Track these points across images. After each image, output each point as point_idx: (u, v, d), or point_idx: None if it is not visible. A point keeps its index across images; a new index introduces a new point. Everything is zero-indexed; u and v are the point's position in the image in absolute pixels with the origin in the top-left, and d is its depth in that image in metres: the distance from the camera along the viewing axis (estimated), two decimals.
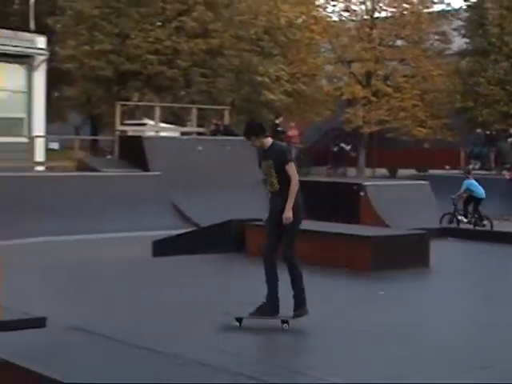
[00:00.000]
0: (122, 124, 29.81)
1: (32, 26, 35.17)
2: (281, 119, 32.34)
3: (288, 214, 8.90)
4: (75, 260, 15.20)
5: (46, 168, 29.61)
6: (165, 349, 6.19)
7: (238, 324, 8.94)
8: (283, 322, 8.95)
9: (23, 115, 32.70)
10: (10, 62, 32.19)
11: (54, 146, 41.51)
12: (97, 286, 10.43)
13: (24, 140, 31.07)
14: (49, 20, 40.08)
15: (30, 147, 29.90)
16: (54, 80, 37.73)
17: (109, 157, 31.20)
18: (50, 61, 34.35)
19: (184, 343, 7.62)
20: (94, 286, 10.61)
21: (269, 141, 9.21)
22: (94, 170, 24.86)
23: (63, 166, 28.99)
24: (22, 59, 32.60)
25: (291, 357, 8.05)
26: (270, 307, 9.04)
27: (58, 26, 39.58)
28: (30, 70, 32.81)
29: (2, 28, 34.85)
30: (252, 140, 9.24)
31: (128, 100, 36.25)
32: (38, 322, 7.04)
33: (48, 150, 34.73)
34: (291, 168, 8.98)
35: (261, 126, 9.45)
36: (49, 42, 34.76)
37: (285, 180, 8.97)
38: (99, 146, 39.90)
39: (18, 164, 27.02)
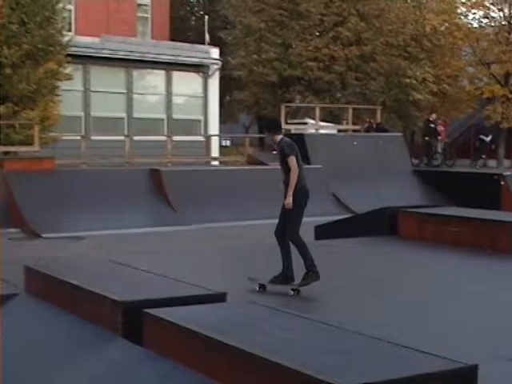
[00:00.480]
0: (286, 123, 29.95)
1: (207, 39, 35.69)
2: (434, 116, 31.77)
3: (288, 201, 9.22)
4: (246, 243, 15.41)
5: (220, 162, 30.05)
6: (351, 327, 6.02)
7: (261, 289, 9.35)
8: (293, 290, 9.22)
9: (200, 117, 33.33)
10: (189, 71, 32.85)
11: (227, 143, 42.05)
12: (265, 265, 10.44)
13: (201, 138, 31.67)
14: (221, 33, 40.67)
15: (206, 144, 30.47)
16: (226, 86, 38.27)
17: (274, 152, 31.33)
18: (222, 69, 34.85)
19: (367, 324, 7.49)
20: (262, 266, 10.64)
21: (279, 137, 9.43)
22: (262, 163, 25.09)
23: (235, 160, 29.38)
24: (199, 68, 33.21)
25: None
26: (285, 277, 9.38)
27: (230, 38, 40.03)
28: (206, 77, 33.40)
29: (182, 42, 35.62)
30: (266, 135, 9.84)
31: (291, 102, 36.42)
32: (220, 297, 7.10)
33: (221, 147, 35.25)
34: (291, 161, 9.18)
35: (275, 123, 9.81)
36: (221, 53, 35.26)
37: (288, 171, 9.24)
38: (266, 142, 40.15)
39: (196, 159, 27.58)
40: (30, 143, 23.04)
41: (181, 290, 7.30)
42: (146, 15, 39.11)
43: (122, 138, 26.61)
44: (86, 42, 29.83)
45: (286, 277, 9.38)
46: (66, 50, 26.10)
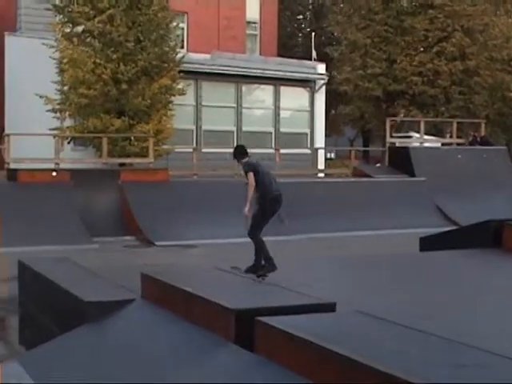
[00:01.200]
0: (391, 136, 29.67)
1: (314, 55, 35.69)
2: None
3: (244, 210, 10.95)
4: (351, 253, 15.26)
5: (325, 174, 29.95)
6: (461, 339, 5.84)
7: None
8: (259, 276, 10.35)
9: (307, 130, 33.30)
10: (297, 86, 32.88)
11: (331, 155, 41.92)
12: (376, 276, 10.28)
13: (307, 151, 31.63)
14: (327, 49, 40.59)
15: (312, 157, 30.41)
16: (332, 100, 38.13)
17: (378, 165, 31.12)
18: (328, 84, 34.76)
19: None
20: (373, 277, 10.48)
21: (244, 161, 11.16)
22: (367, 175, 24.89)
23: (339, 172, 29.24)
24: (306, 83, 33.21)
25: None
26: (267, 267, 10.78)
27: (336, 54, 39.93)
28: (313, 92, 33.37)
29: (289, 58, 35.69)
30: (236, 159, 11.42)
31: (395, 116, 36.08)
32: (330, 307, 7.01)
33: (326, 159, 35.15)
34: (249, 177, 10.87)
35: (240, 150, 11.48)
36: (327, 68, 35.21)
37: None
38: (370, 155, 39.91)
39: (302, 171, 27.54)
40: (145, 155, 23.43)
41: (291, 299, 7.23)
42: (254, 32, 39.36)
43: (231, 150, 26.72)
44: (197, 58, 30.19)
45: (255, 268, 10.80)
46: (179, 66, 26.52)
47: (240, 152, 11.38)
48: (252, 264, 10.91)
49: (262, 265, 10.83)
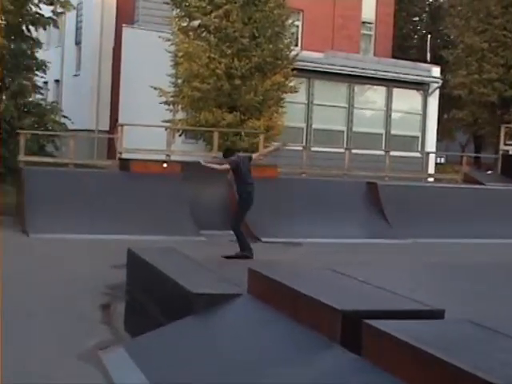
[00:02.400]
0: (505, 144, 28.99)
1: (428, 57, 35.17)
2: None
3: (202, 162, 15.66)
4: (461, 260, 14.96)
5: (435, 179, 29.47)
6: None
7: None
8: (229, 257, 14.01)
9: (418, 133, 32.83)
10: (410, 88, 32.43)
11: (441, 160, 41.22)
12: (486, 285, 10.02)
13: (418, 155, 31.22)
14: (443, 52, 39.88)
15: (423, 161, 29.98)
16: (445, 104, 37.46)
17: (490, 172, 30.47)
18: (442, 88, 34.20)
19: None
20: (483, 285, 10.22)
21: (230, 159, 14.64)
22: (479, 182, 24.38)
23: (450, 178, 28.73)
24: (419, 86, 32.74)
25: None
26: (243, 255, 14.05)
27: (451, 57, 39.19)
28: (426, 95, 32.87)
29: (403, 59, 35.26)
30: (224, 159, 14.99)
31: (510, 123, 35.17)
32: (438, 314, 6.86)
33: (436, 164, 34.59)
34: (226, 163, 14.76)
35: (228, 151, 15.36)
36: (442, 72, 34.63)
37: (234, 177, 14.84)
38: (481, 162, 39.05)
39: (412, 175, 27.17)
40: (254, 151, 23.51)
41: (399, 303, 7.11)
42: (369, 33, 39.09)
43: (341, 150, 26.67)
44: (311, 56, 30.12)
45: (244, 255, 13.95)
46: (293, 64, 26.52)
47: (228, 152, 15.06)
48: (238, 252, 14.10)
49: (246, 254, 14.01)
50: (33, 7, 26.58)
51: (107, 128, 34.16)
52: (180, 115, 26.91)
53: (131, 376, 7.06)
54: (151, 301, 9.20)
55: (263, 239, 17.69)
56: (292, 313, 7.31)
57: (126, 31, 32.84)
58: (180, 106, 26.27)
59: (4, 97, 25.33)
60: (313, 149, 27.44)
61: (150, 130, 23.91)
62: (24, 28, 26.81)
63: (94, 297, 10.70)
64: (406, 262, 14.81)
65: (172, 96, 26.14)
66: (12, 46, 26.10)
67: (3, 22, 25.76)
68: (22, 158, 21.12)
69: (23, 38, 26.74)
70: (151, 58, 29.17)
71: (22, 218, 17.97)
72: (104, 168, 23.66)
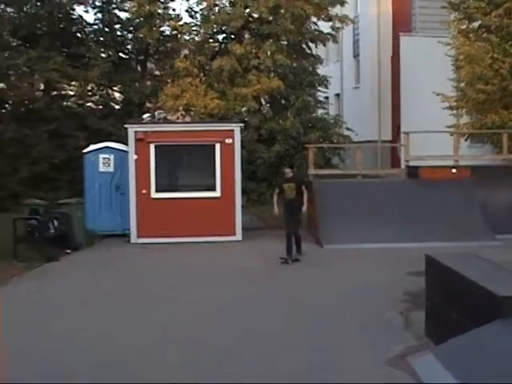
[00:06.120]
0: None
1: None
2: None
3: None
4: None
5: None
6: None
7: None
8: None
9: None
10: None
11: None
12: None
13: None
14: None
15: None
16: None
17: None
18: None
19: None
20: None
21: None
22: None
23: None
24: None
25: None
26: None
27: None
28: None
29: None
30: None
31: None
32: None
33: None
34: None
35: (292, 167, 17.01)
36: None
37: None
38: None
39: None
40: None
41: None
42: None
43: None
44: None
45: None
46: None
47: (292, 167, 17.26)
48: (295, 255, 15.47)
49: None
50: (312, 25, 27.45)
51: (389, 137, 34.33)
52: (464, 119, 26.49)
53: (440, 377, 7.12)
54: (453, 306, 9.14)
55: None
56: None
57: (404, 39, 32.93)
58: (464, 110, 25.88)
59: (289, 114, 26.33)
60: None
61: (431, 137, 23.70)
62: (304, 45, 27.75)
63: (394, 304, 10.89)
64: None
65: (455, 100, 25.82)
66: (294, 65, 27.11)
67: (285, 42, 26.85)
68: (311, 171, 21.73)
69: (304, 55, 27.70)
70: (430, 64, 29.03)
71: (315, 230, 18.53)
72: (390, 176, 23.79)
